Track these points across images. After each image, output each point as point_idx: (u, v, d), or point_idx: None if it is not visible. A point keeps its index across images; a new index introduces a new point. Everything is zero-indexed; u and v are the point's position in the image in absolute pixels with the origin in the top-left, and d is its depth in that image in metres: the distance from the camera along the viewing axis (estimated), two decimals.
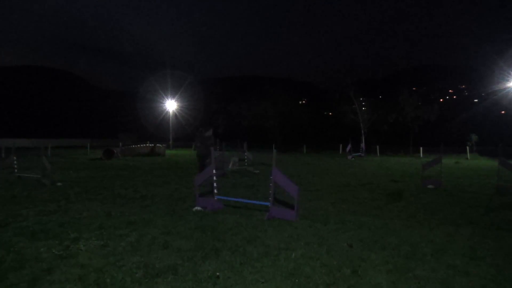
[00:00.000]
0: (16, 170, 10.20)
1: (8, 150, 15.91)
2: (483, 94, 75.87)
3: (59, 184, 8.64)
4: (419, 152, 29.17)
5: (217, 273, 3.07)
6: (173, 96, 47.19)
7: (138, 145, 25.42)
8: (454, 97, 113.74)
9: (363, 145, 30.72)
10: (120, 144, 27.50)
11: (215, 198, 5.92)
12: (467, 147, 27.27)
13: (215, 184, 6.00)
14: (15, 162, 10.46)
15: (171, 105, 45.25)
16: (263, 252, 3.65)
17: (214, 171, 6.03)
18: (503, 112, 58.13)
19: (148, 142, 31.13)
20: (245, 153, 14.33)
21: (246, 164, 13.82)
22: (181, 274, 3.06)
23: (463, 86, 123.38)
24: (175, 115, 46.91)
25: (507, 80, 33.74)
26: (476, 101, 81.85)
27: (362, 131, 39.19)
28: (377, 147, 31.95)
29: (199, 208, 5.81)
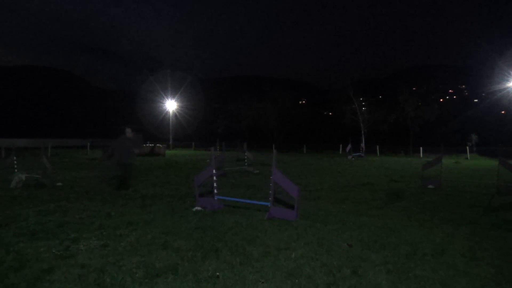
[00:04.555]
0: (16, 170, 10.19)
1: (8, 150, 15.92)
2: (483, 94, 75.88)
3: (59, 184, 8.64)
4: (419, 152, 29.18)
5: (217, 273, 3.07)
6: (173, 96, 47.18)
7: None
8: (454, 97, 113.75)
9: (363, 145, 30.72)
10: None
11: (215, 198, 5.92)
12: (467, 147, 27.27)
13: (215, 184, 6.00)
14: (15, 162, 10.46)
15: (171, 105, 45.25)
16: (263, 252, 3.64)
17: (214, 171, 6.04)
18: (503, 112, 58.13)
19: (148, 142, 31.12)
20: (245, 153, 14.32)
21: (246, 164, 13.81)
22: (181, 274, 3.06)
23: (463, 86, 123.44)
24: (175, 115, 46.90)
25: (507, 80, 33.75)
26: (476, 101, 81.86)
27: (362, 131, 39.20)
28: (377, 147, 31.96)
29: (199, 208, 5.81)
